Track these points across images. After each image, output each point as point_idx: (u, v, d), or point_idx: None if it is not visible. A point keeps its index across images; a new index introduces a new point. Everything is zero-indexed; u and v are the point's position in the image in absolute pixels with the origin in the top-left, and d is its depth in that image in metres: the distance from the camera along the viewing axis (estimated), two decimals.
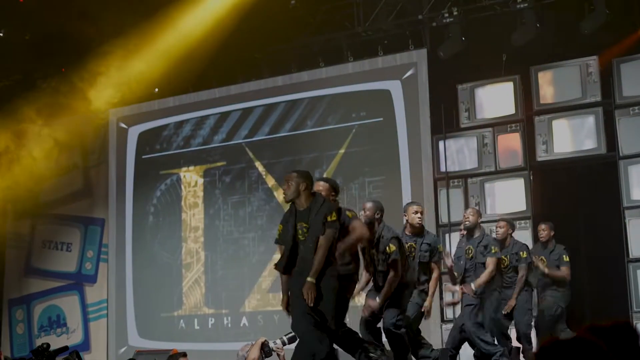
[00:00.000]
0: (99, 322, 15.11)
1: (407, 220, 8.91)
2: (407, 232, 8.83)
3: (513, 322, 10.16)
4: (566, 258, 10.39)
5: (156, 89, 15.15)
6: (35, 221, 16.18)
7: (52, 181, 16.00)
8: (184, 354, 9.42)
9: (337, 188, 7.54)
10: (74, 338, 15.27)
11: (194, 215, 14.52)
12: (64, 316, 15.55)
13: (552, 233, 10.51)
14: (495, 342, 9.30)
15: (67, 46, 14.17)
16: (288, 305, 7.00)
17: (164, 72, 14.47)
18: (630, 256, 11.34)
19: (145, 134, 15.19)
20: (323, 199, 6.93)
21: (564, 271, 10.30)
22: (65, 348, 7.11)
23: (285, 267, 6.93)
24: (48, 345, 6.57)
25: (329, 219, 6.76)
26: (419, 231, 8.85)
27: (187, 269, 14.42)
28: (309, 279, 6.66)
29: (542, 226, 10.57)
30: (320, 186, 7.32)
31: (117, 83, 14.86)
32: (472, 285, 9.31)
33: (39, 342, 15.36)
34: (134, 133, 15.28)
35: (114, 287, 14.97)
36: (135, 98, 15.17)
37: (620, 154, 11.54)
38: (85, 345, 14.96)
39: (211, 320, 14.04)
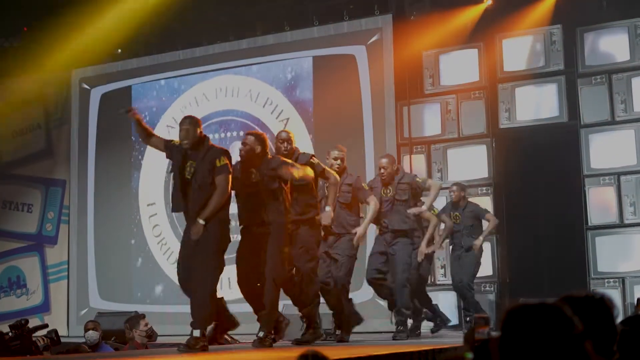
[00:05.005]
0: (59, 284, 15.06)
1: None
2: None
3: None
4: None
5: (119, 50, 15.02)
6: None
7: (13, 141, 15.86)
8: (143, 316, 9.44)
9: (264, 143, 7.57)
10: (33, 299, 15.22)
11: (156, 172, 14.45)
12: (24, 277, 15.48)
13: (463, 194, 10.67)
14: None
15: (30, 5, 13.98)
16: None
17: (127, 33, 14.34)
18: (589, 224, 11.49)
19: (108, 95, 15.07)
20: (210, 146, 7.09)
21: (491, 218, 10.56)
22: (45, 326, 7.10)
23: (181, 206, 7.06)
24: (27, 321, 6.54)
25: (217, 163, 6.90)
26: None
27: (150, 231, 14.38)
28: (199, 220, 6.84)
29: (454, 187, 10.72)
30: (247, 140, 7.56)
31: (80, 43, 14.70)
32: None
33: None
34: (96, 94, 15.16)
35: (75, 249, 14.92)
36: (99, 59, 15.05)
37: (582, 123, 11.66)
38: (45, 306, 14.91)
39: (174, 283, 14.01)
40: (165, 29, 14.11)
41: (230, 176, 6.99)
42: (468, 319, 10.33)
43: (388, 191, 9.06)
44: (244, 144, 7.53)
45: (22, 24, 14.92)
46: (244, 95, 13.83)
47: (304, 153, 8.18)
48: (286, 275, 7.48)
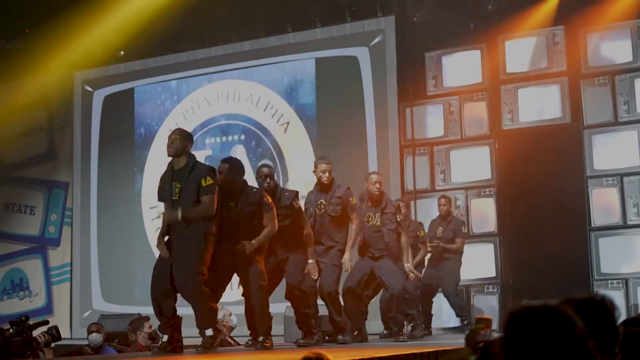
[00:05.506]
0: (62, 286, 15.06)
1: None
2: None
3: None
4: (464, 229, 11.06)
5: (122, 52, 15.02)
6: None
7: (16, 143, 15.87)
8: (147, 318, 9.44)
9: (240, 170, 7.59)
10: (36, 301, 15.21)
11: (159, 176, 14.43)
12: (27, 279, 15.47)
13: (451, 208, 11.03)
14: None
15: (32, 7, 13.99)
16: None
17: (130, 35, 14.34)
18: (592, 225, 11.48)
19: (111, 98, 15.08)
20: (196, 162, 7.05)
21: (459, 242, 10.78)
22: (46, 322, 7.11)
23: (168, 230, 7.06)
24: (27, 317, 6.56)
25: (203, 183, 6.88)
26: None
27: (153, 233, 14.37)
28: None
29: (442, 200, 10.80)
30: (221, 167, 7.51)
31: (83, 45, 14.71)
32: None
33: (1, 305, 15.31)
34: (99, 96, 15.17)
35: (79, 251, 14.92)
36: (101, 61, 15.05)
37: (585, 124, 11.65)
38: (48, 308, 14.91)
39: None
40: (167, 31, 14.09)
41: (216, 196, 6.97)
42: (466, 322, 10.39)
43: (370, 218, 8.91)
44: (219, 172, 7.47)
45: (24, 26, 14.92)
46: (245, 100, 13.83)
47: (286, 191, 8.22)
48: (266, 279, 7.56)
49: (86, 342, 9.10)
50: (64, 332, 14.04)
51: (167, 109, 14.51)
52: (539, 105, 12.09)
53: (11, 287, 15.59)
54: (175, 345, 7.00)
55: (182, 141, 7.00)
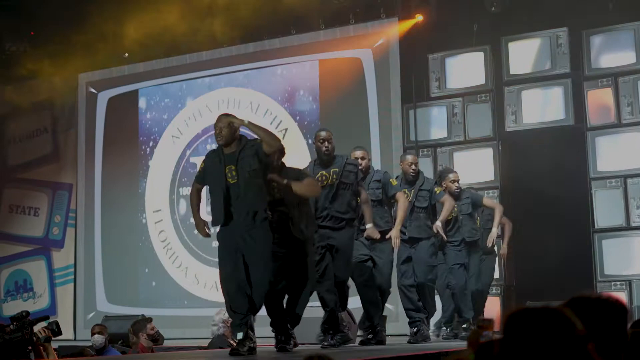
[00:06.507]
0: (65, 287, 15.08)
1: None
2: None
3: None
4: None
5: (126, 54, 15.04)
6: (2, 185, 16.08)
7: (20, 145, 15.90)
8: (150, 320, 9.45)
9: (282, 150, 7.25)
10: (40, 303, 15.24)
11: (162, 180, 14.46)
12: (31, 281, 15.50)
13: None
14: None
15: (36, 9, 14.01)
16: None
17: (134, 36, 14.35)
18: (596, 226, 11.48)
19: (115, 99, 15.10)
20: (247, 140, 6.77)
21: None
22: (46, 317, 7.10)
23: (225, 216, 6.67)
24: (28, 312, 6.55)
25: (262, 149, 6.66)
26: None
27: (156, 234, 14.39)
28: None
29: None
30: None
31: (87, 48, 14.73)
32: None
33: (5, 306, 15.33)
34: (103, 98, 15.19)
35: (82, 253, 14.93)
36: (105, 63, 15.07)
37: (588, 125, 11.65)
38: (52, 310, 14.93)
39: (180, 287, 14.03)
40: (171, 32, 14.11)
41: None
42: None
43: (406, 195, 8.78)
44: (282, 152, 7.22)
45: (28, 28, 14.94)
46: (245, 107, 13.85)
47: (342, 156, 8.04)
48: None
49: (90, 344, 9.12)
50: (68, 334, 14.14)
51: (171, 111, 14.53)
52: (543, 107, 12.09)
53: (15, 289, 15.61)
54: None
55: (230, 129, 6.70)
